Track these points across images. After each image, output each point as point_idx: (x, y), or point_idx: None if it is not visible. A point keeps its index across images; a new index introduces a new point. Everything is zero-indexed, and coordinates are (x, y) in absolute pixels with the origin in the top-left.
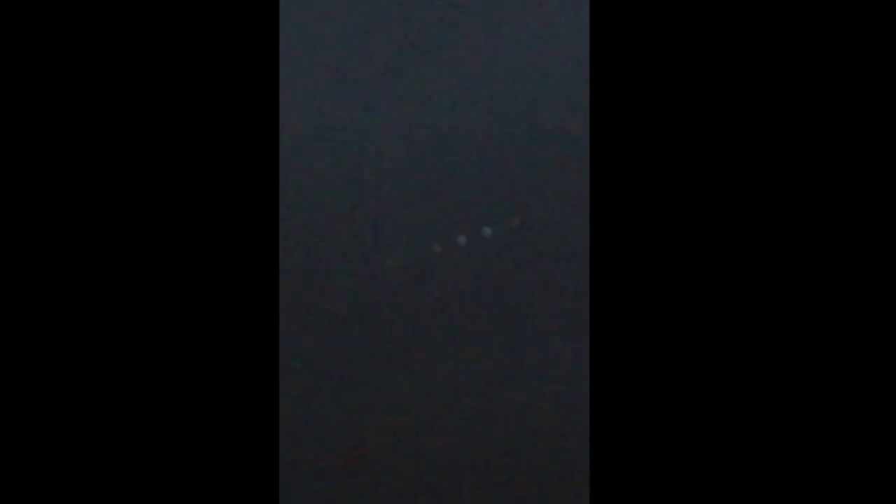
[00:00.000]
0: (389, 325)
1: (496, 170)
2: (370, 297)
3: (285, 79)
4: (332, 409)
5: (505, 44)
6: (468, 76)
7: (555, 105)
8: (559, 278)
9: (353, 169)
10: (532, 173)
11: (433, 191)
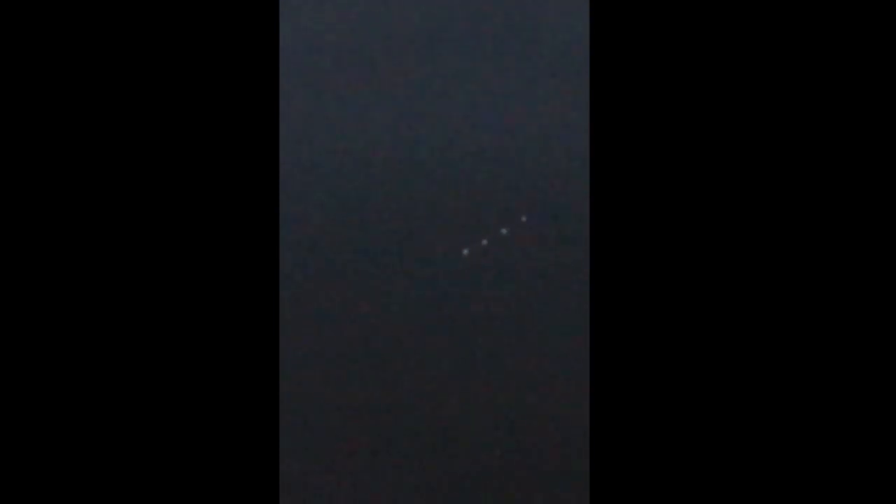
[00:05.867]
0: (389, 324)
1: (496, 171)
2: (369, 297)
3: (286, 79)
4: (331, 408)
5: (505, 44)
6: (468, 76)
7: (555, 105)
8: (559, 278)
9: (353, 169)
10: (532, 174)
11: (433, 189)
